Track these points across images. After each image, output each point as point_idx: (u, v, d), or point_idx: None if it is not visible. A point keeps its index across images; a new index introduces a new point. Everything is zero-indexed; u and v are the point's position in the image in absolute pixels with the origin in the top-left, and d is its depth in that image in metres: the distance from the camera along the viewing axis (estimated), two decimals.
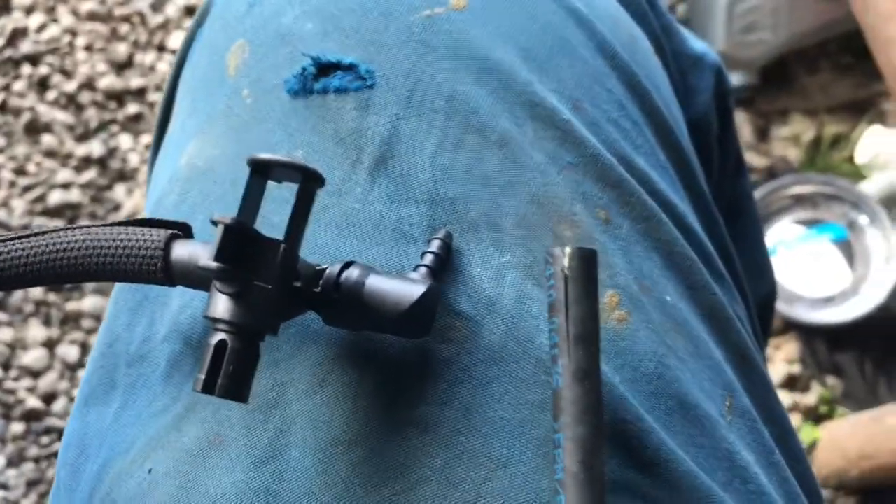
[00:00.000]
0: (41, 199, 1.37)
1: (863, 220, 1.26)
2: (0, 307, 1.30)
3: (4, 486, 1.22)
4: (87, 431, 0.36)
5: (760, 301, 0.63)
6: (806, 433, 1.18)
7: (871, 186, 1.27)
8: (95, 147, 1.39)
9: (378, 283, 0.29)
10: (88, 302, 1.31)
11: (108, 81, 1.43)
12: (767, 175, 1.35)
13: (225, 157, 0.38)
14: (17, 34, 1.46)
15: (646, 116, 0.41)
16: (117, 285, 0.40)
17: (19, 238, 0.31)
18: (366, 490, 0.30)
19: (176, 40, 1.47)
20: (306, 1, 0.40)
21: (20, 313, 1.31)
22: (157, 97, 1.43)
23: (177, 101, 0.47)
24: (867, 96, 1.37)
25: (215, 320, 0.27)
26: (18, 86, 1.43)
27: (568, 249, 0.28)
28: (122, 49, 1.46)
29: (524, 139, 0.36)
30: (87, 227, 0.31)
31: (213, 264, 0.26)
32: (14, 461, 1.24)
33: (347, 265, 0.30)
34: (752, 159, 1.36)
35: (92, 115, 1.42)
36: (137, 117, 1.42)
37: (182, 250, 0.30)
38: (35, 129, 1.41)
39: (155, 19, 1.48)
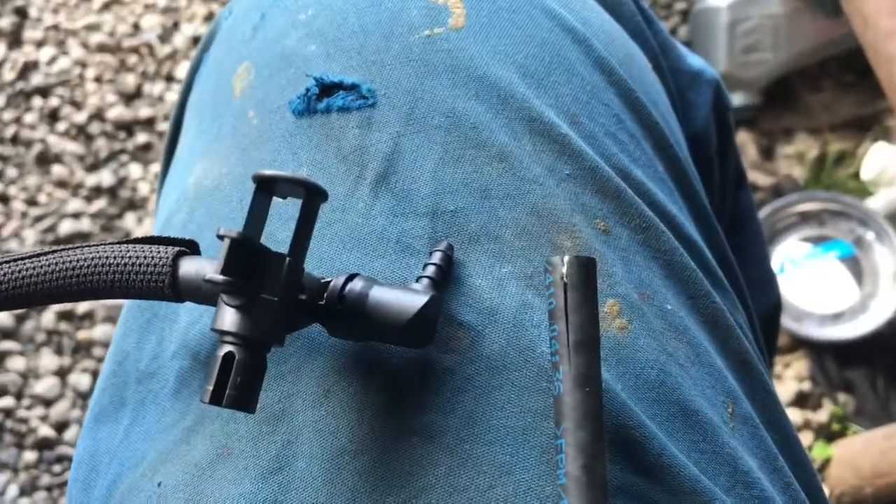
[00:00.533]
0: (52, 228, 1.38)
1: (870, 236, 1.26)
2: (12, 336, 1.31)
3: None
4: (97, 448, 0.37)
5: (765, 314, 0.63)
6: (818, 451, 1.17)
7: (877, 202, 1.27)
8: (105, 177, 1.41)
9: (381, 294, 0.30)
10: (99, 330, 1.32)
11: (118, 112, 1.45)
12: (773, 193, 1.35)
13: (232, 177, 0.39)
14: (29, 67, 1.49)
15: (643, 130, 0.41)
16: (126, 304, 0.41)
17: (29, 257, 0.32)
18: (372, 499, 0.30)
19: (184, 70, 1.49)
20: (309, 24, 0.41)
21: (32, 342, 1.31)
22: (165, 127, 1.45)
23: (184, 124, 0.48)
24: (871, 113, 1.38)
25: (223, 332, 0.28)
26: (29, 118, 1.45)
27: (566, 257, 0.28)
28: (130, 80, 1.48)
29: (523, 153, 0.36)
30: (96, 245, 0.32)
31: (220, 277, 0.27)
32: (27, 490, 1.24)
33: (351, 277, 0.30)
34: (758, 178, 1.36)
35: (102, 146, 1.43)
36: (147, 147, 1.44)
37: (189, 266, 0.31)
38: (46, 159, 1.42)
39: (163, 50, 1.51)
